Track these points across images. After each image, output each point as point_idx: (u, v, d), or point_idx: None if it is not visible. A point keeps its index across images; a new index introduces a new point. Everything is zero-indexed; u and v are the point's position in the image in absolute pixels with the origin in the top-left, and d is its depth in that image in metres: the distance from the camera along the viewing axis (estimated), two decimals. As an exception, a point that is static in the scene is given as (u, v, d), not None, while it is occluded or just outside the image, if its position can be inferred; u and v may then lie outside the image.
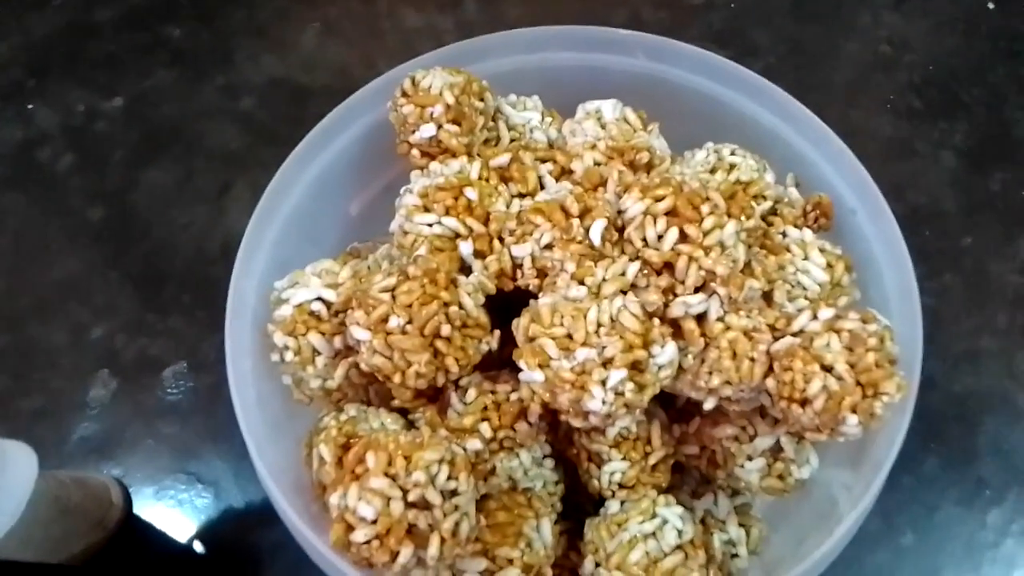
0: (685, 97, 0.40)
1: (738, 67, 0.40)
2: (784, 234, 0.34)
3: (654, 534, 0.32)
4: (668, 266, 0.30)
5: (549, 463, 0.34)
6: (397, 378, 0.30)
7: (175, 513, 0.45)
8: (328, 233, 0.40)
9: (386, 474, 0.27)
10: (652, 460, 0.34)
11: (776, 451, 0.34)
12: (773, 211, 0.35)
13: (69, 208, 0.55)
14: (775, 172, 0.38)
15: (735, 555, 0.36)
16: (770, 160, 0.37)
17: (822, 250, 0.34)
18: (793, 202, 0.36)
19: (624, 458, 0.33)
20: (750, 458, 0.34)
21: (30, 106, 0.59)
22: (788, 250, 0.33)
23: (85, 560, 0.42)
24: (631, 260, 0.30)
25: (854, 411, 0.28)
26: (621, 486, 0.34)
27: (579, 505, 0.37)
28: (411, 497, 0.27)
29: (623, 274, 0.30)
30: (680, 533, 0.32)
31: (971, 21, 0.62)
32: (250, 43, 0.62)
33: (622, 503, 0.34)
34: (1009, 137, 0.57)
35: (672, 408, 0.36)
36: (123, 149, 0.57)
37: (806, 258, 0.33)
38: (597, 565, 0.32)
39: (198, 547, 0.45)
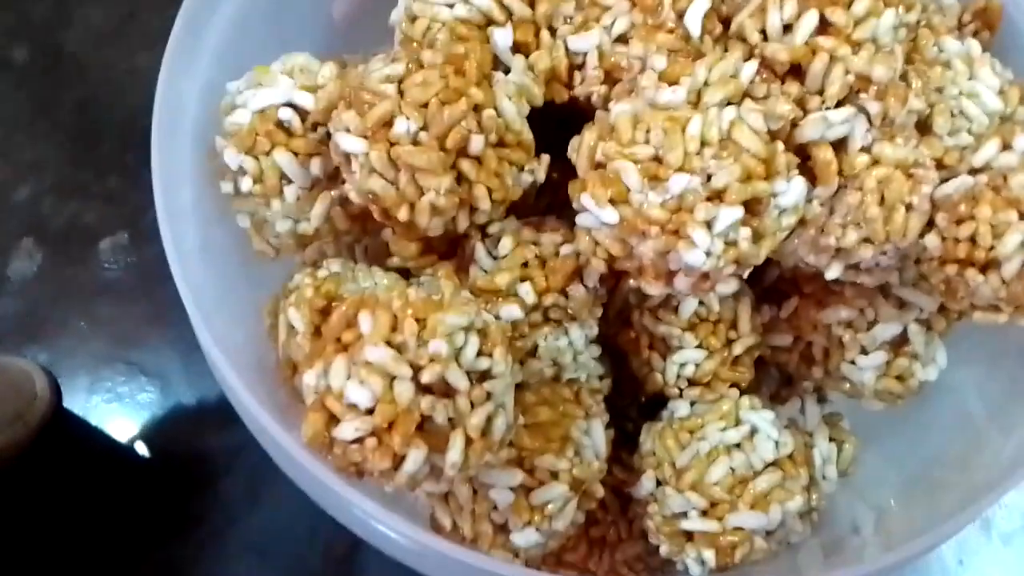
0: None
1: None
2: (939, 47, 0.25)
3: (740, 445, 0.25)
4: (795, 69, 0.21)
5: (595, 349, 0.26)
6: (403, 213, 0.20)
7: (113, 409, 0.41)
8: (303, 39, 0.30)
9: (389, 343, 0.18)
10: (737, 349, 0.26)
11: (899, 344, 0.26)
12: (917, 22, 0.26)
13: (-14, 47, 0.49)
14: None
15: (823, 476, 0.28)
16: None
17: (993, 70, 0.25)
18: (945, 9, 0.27)
19: (700, 345, 0.26)
20: (865, 352, 0.26)
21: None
22: (948, 67, 0.24)
23: (3, 463, 0.37)
24: (744, 59, 0.21)
25: (1061, 279, 0.20)
26: (692, 382, 0.26)
27: (620, 407, 0.29)
28: (425, 377, 0.18)
29: (734, 76, 0.21)
30: (777, 445, 0.24)
31: None
32: None
33: (692, 404, 0.26)
34: None
35: (757, 285, 0.27)
36: (52, -23, 0.50)
37: (972, 77, 0.24)
38: (660, 483, 0.25)
39: (141, 449, 0.40)
